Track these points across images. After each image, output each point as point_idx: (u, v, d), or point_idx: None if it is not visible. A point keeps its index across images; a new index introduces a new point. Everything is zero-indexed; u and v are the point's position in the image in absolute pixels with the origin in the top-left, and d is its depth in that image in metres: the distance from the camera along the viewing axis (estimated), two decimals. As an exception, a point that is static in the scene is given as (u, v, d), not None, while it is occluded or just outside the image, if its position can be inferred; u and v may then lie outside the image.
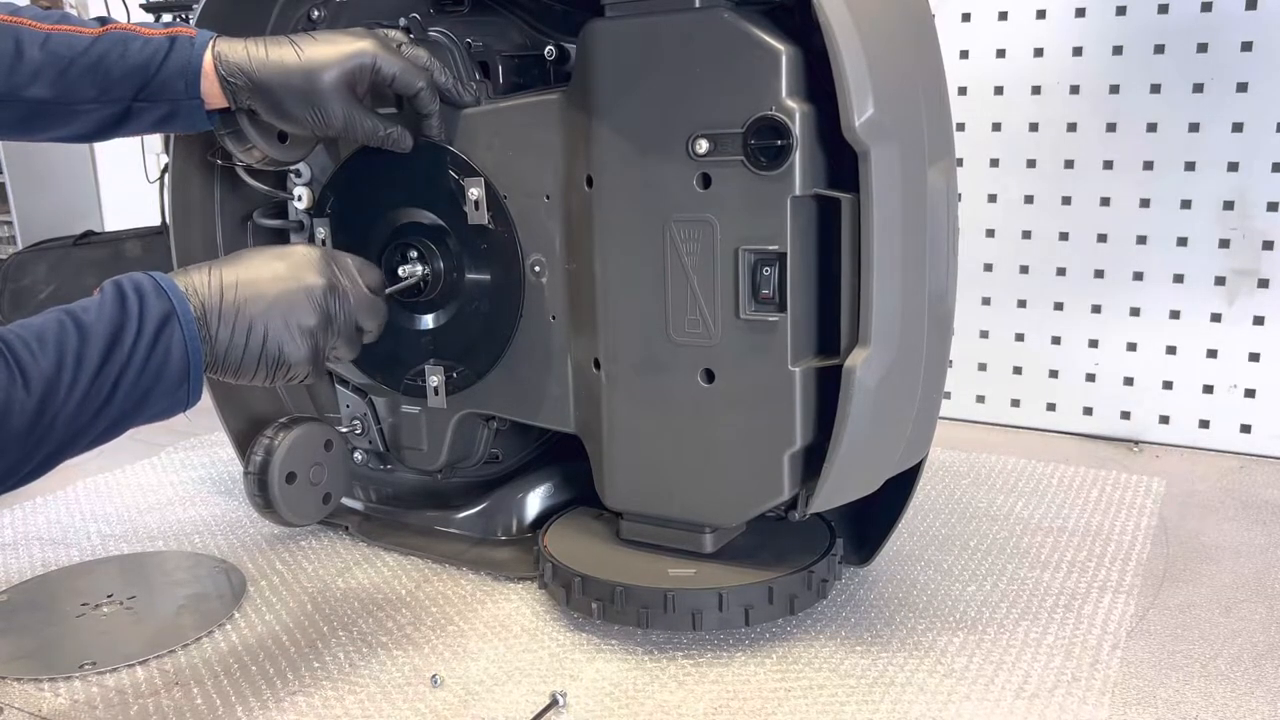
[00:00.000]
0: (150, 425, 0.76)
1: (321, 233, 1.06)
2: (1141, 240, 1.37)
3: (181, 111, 0.89)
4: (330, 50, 0.89)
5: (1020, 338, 1.47)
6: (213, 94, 0.89)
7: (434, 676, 0.87)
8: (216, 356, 0.78)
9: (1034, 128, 1.40)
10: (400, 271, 1.01)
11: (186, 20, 1.75)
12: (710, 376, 0.88)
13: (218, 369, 0.79)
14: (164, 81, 0.87)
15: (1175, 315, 1.37)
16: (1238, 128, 1.29)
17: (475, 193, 0.97)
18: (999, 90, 1.42)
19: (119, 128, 0.90)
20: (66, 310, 0.71)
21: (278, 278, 0.81)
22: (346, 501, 1.19)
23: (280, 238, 1.15)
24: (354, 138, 0.93)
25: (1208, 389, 1.37)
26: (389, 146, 0.95)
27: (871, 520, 1.00)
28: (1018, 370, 1.48)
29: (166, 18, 1.85)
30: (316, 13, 1.08)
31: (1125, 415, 1.42)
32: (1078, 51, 1.36)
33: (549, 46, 1.00)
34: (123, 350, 0.71)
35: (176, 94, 0.88)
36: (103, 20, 0.89)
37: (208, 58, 0.88)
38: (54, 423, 0.68)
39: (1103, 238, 1.39)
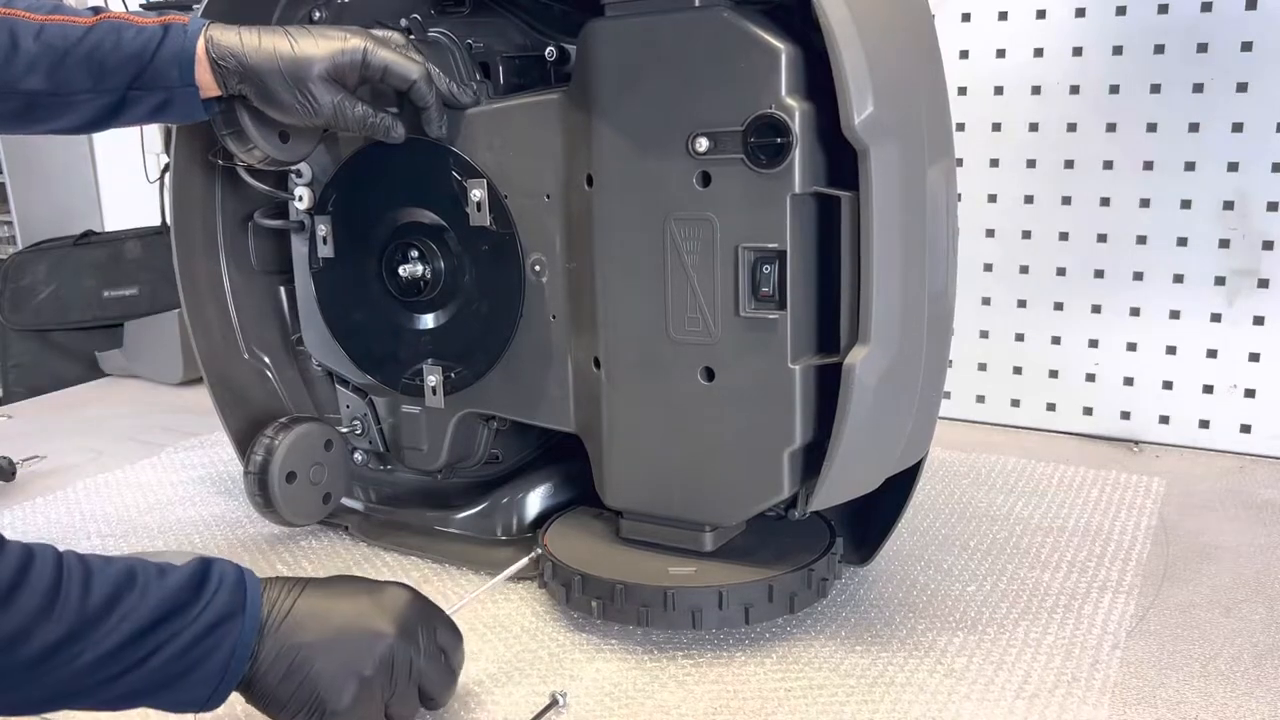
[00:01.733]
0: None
1: (323, 230, 1.06)
2: (1141, 240, 1.37)
3: (177, 99, 0.88)
4: (323, 41, 0.89)
5: (1020, 338, 1.47)
6: (207, 81, 0.88)
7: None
8: (254, 673, 0.69)
9: (1034, 128, 1.40)
10: (401, 271, 1.01)
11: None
12: (710, 375, 0.88)
13: (251, 689, 0.69)
14: (158, 69, 0.87)
15: (1175, 315, 1.37)
16: (1238, 128, 1.29)
17: (478, 194, 0.97)
18: (999, 90, 1.42)
19: (115, 118, 0.89)
20: (144, 564, 0.67)
21: (349, 614, 0.73)
22: (346, 501, 1.19)
23: (281, 238, 1.15)
24: (343, 126, 0.92)
25: (1208, 389, 1.37)
26: (379, 135, 0.94)
27: (871, 520, 1.00)
28: (1018, 370, 1.48)
29: (168, 17, 1.85)
30: (318, 14, 1.08)
31: (1125, 415, 1.42)
32: (1078, 51, 1.36)
33: (549, 47, 1.01)
34: (172, 628, 0.65)
35: (171, 81, 0.87)
36: (96, 10, 0.88)
37: (201, 43, 0.87)
38: (65, 666, 0.62)
39: (1103, 238, 1.39)
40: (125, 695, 0.65)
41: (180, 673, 0.65)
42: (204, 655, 0.66)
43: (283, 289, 1.19)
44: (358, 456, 1.20)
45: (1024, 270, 1.45)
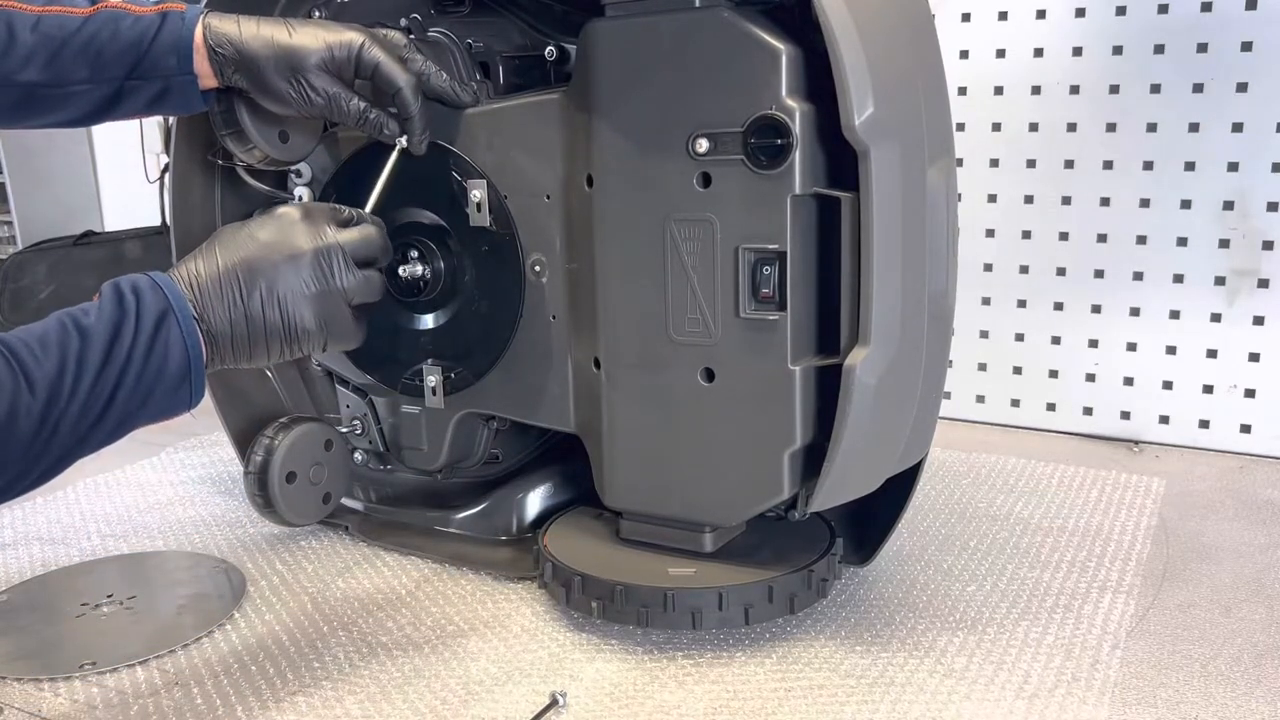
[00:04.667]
0: (150, 425, 0.75)
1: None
2: (1141, 240, 1.37)
3: (175, 88, 0.88)
4: (320, 32, 0.88)
5: (1020, 338, 1.47)
6: (205, 71, 0.88)
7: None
8: (218, 339, 0.76)
9: (1034, 128, 1.40)
10: (401, 271, 1.01)
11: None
12: (710, 375, 0.87)
13: (227, 354, 0.78)
14: (156, 57, 0.86)
15: (1175, 315, 1.37)
16: (1238, 128, 1.29)
17: (478, 194, 0.97)
18: (999, 90, 1.42)
19: (113, 109, 0.88)
20: (67, 313, 0.71)
21: (268, 246, 0.79)
22: (346, 501, 1.19)
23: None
24: (340, 119, 0.92)
25: (1208, 389, 1.37)
26: (375, 132, 0.93)
27: (871, 520, 1.00)
28: (1018, 370, 1.48)
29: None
30: (318, 13, 1.08)
31: (1125, 415, 1.42)
32: (1078, 51, 1.36)
33: (549, 47, 1.01)
34: (122, 350, 0.70)
35: (169, 70, 0.87)
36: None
37: (199, 31, 0.87)
38: (59, 426, 0.68)
39: (1103, 238, 1.39)
40: (119, 424, 0.71)
41: (152, 383, 0.72)
42: (163, 358, 0.72)
43: (283, 289, 1.19)
44: (358, 456, 1.19)
45: (1024, 270, 1.45)
